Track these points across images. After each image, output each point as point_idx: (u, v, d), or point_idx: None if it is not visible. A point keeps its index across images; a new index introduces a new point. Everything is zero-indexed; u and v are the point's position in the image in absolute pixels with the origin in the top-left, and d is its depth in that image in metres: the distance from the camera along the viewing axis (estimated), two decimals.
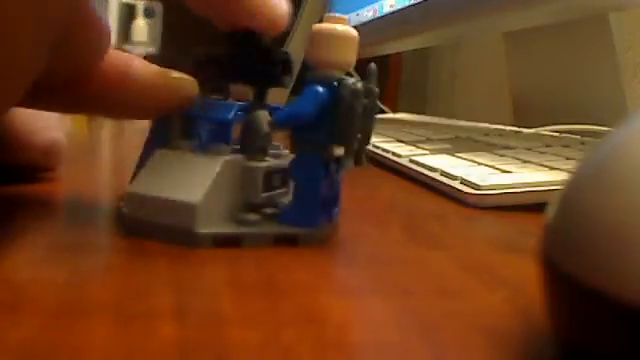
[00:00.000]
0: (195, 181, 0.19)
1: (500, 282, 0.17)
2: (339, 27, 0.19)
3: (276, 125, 0.20)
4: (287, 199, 0.21)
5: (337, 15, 0.20)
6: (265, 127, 0.20)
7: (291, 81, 0.22)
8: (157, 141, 0.22)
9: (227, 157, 0.20)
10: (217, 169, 0.19)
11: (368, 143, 0.20)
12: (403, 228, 0.23)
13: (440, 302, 0.15)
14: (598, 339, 0.10)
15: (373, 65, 0.21)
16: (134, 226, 0.19)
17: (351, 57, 0.20)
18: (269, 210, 0.20)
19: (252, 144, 0.21)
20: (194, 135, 0.21)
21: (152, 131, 0.22)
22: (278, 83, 0.22)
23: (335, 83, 0.19)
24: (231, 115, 0.21)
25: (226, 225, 0.19)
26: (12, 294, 0.14)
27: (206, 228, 0.18)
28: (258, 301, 0.14)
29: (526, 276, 0.18)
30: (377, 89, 0.20)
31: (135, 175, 0.21)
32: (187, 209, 0.18)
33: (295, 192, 0.20)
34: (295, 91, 0.22)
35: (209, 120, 0.21)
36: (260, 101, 0.22)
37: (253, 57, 0.21)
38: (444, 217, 0.26)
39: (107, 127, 0.64)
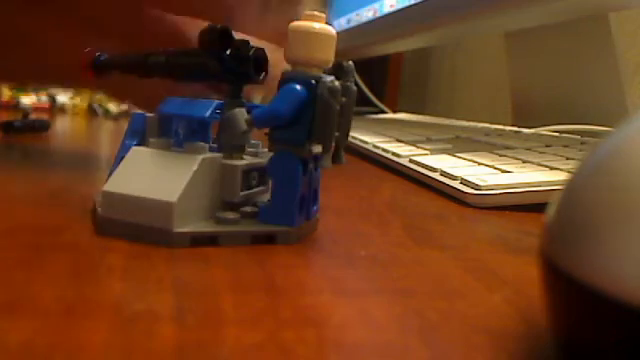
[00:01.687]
0: (172, 179, 0.19)
1: (500, 282, 0.17)
2: (317, 25, 0.19)
3: (254, 124, 0.20)
4: (266, 197, 0.21)
5: (315, 13, 0.19)
6: (242, 125, 0.19)
7: (265, 78, 0.22)
8: (132, 139, 0.21)
9: (205, 155, 0.19)
10: (194, 167, 0.19)
11: (346, 141, 0.21)
12: (403, 228, 0.23)
13: (440, 302, 0.15)
14: (598, 339, 0.10)
15: (350, 62, 0.20)
16: (108, 226, 0.19)
17: (329, 55, 0.20)
18: (248, 209, 0.20)
19: (229, 142, 0.21)
20: (170, 133, 0.21)
21: (128, 128, 0.22)
22: (252, 80, 0.21)
23: (313, 81, 0.19)
24: (208, 113, 0.20)
25: (204, 224, 0.19)
26: (12, 294, 0.13)
27: (183, 227, 0.18)
28: (258, 301, 0.14)
29: (526, 276, 0.18)
30: (355, 87, 0.20)
31: (111, 174, 0.20)
32: (164, 208, 0.18)
33: (273, 190, 0.20)
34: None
35: (186, 118, 0.21)
36: (235, 98, 0.21)
37: (226, 54, 0.21)
38: (444, 217, 0.26)
39: (106, 125, 0.65)
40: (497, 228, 0.25)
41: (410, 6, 0.58)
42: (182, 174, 0.19)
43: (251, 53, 0.21)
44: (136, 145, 0.20)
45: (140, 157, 0.20)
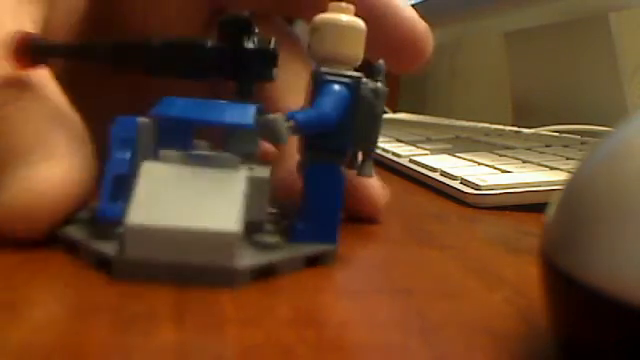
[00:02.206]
0: (218, 203, 0.15)
1: (500, 282, 0.17)
2: (344, 17, 0.17)
3: (299, 131, 0.16)
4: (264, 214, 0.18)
5: (342, 4, 0.17)
6: (284, 133, 0.16)
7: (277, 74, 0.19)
8: (124, 150, 0.16)
9: (245, 171, 0.16)
10: (242, 186, 0.16)
11: (374, 150, 0.19)
12: (403, 228, 0.23)
13: (440, 302, 0.15)
14: (598, 339, 0.10)
15: (381, 62, 0.19)
16: (137, 269, 0.15)
17: (359, 51, 0.18)
18: (270, 227, 0.18)
19: (243, 150, 0.17)
20: (174, 142, 0.17)
21: (114, 137, 0.17)
22: (266, 77, 0.19)
23: (354, 82, 0.17)
24: (251, 118, 0.17)
25: (252, 253, 0.16)
26: (12, 294, 0.13)
27: (242, 261, 0.15)
28: (258, 301, 0.14)
29: (526, 276, 0.18)
30: (386, 89, 0.18)
31: (105, 198, 0.16)
32: (223, 240, 0.14)
33: (309, 206, 0.18)
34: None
35: (228, 125, 0.17)
36: (246, 98, 0.18)
37: (241, 47, 0.18)
38: (444, 217, 0.26)
39: None
40: (497, 228, 0.25)
41: (410, 6, 0.57)
42: (228, 196, 0.15)
43: (272, 47, 0.18)
44: (130, 158, 0.16)
45: (162, 177, 0.15)
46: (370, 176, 0.19)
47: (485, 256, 0.20)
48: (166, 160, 0.16)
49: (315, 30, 0.17)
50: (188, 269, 0.15)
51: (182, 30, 0.21)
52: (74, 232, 0.17)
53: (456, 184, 0.31)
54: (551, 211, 0.12)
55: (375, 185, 0.22)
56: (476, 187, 0.29)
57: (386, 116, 0.90)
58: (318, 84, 0.17)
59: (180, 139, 0.17)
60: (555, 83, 0.57)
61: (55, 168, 0.16)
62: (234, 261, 0.15)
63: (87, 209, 0.17)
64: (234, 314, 0.13)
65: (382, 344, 0.12)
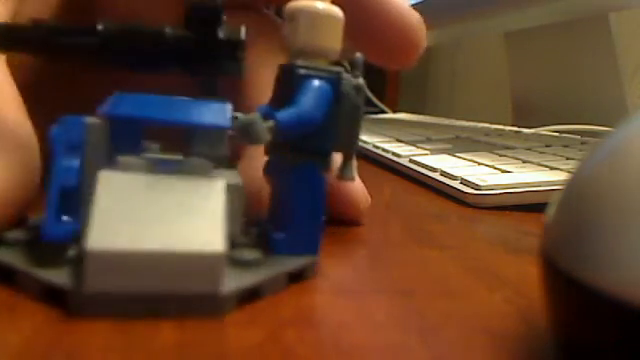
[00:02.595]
0: (198, 219, 0.13)
1: (500, 282, 0.17)
2: (320, 5, 0.15)
3: (279, 131, 0.15)
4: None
5: None
6: (265, 134, 0.14)
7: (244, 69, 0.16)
8: (71, 156, 0.14)
9: (222, 180, 0.14)
10: (221, 197, 0.13)
11: (355, 150, 0.17)
12: (403, 228, 0.23)
13: (440, 302, 0.15)
14: (598, 339, 0.10)
15: (360, 55, 0.17)
16: (102, 304, 0.12)
17: (337, 42, 0.16)
18: (242, 240, 0.16)
19: (213, 154, 0.15)
20: (127, 146, 0.14)
21: (57, 141, 0.14)
22: (232, 72, 0.16)
23: (335, 78, 0.16)
24: (228, 119, 0.15)
25: (236, 273, 0.14)
26: (12, 294, 0.13)
27: (228, 285, 0.13)
28: (258, 301, 0.14)
29: (526, 276, 0.18)
30: (362, 82, 0.17)
31: (50, 213, 0.13)
32: (206, 263, 0.12)
33: (291, 214, 0.16)
34: None
35: (202, 126, 0.15)
36: (211, 95, 0.16)
37: (218, 38, 0.15)
38: (444, 217, 0.26)
39: None
40: (497, 228, 0.25)
41: (410, 6, 0.57)
42: (207, 209, 0.13)
43: (243, 38, 0.15)
44: (77, 165, 0.14)
45: (125, 189, 0.13)
46: (352, 179, 0.18)
47: (485, 256, 0.20)
48: (126, 168, 0.13)
49: (289, 19, 0.16)
50: (165, 300, 0.12)
51: (166, 18, 0.18)
52: (8, 256, 0.14)
53: (456, 184, 0.31)
54: (551, 211, 0.12)
55: (357, 188, 0.21)
56: (476, 187, 0.29)
57: (386, 116, 0.90)
58: (296, 79, 0.15)
59: (130, 141, 0.14)
60: (555, 83, 0.57)
61: None
62: (219, 287, 0.13)
63: (25, 227, 0.15)
64: (234, 314, 0.13)
65: (382, 344, 0.12)
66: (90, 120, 0.14)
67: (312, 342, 0.12)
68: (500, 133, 0.51)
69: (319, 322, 0.13)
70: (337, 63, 0.16)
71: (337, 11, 0.16)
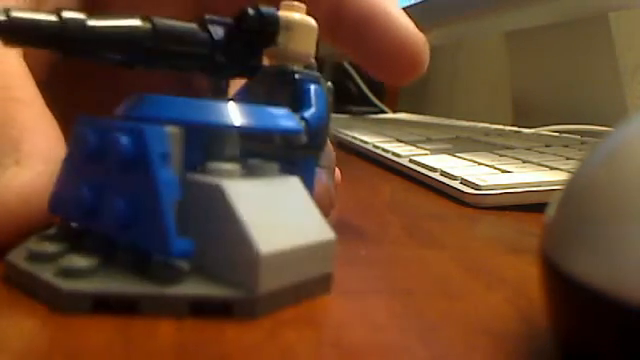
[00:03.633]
0: (306, 214, 0.15)
1: (500, 282, 0.17)
2: (297, 15, 0.17)
3: (308, 131, 0.16)
4: None
5: (295, 2, 0.18)
6: (305, 136, 0.16)
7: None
8: (168, 168, 0.13)
9: (296, 177, 0.16)
10: (305, 192, 0.15)
11: (325, 144, 0.19)
12: (403, 228, 0.23)
13: (440, 302, 0.15)
14: (598, 339, 0.10)
15: (312, 60, 0.19)
16: (270, 302, 0.13)
17: (312, 48, 0.18)
18: None
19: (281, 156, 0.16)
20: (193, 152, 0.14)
21: (152, 152, 0.13)
22: (252, 71, 0.16)
23: (320, 80, 0.18)
24: (296, 123, 0.16)
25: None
26: (11, 294, 0.13)
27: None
28: None
29: (526, 276, 0.18)
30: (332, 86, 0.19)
31: (169, 231, 0.13)
32: (326, 249, 0.15)
33: None
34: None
35: (279, 131, 0.16)
36: (221, 96, 0.16)
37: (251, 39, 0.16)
38: (444, 217, 0.26)
39: None
40: (497, 228, 0.25)
41: (410, 6, 0.58)
42: (302, 203, 0.15)
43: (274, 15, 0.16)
44: (176, 176, 0.13)
45: (248, 196, 0.14)
46: (323, 167, 0.19)
47: (485, 256, 0.20)
48: (230, 175, 0.14)
49: (282, 28, 0.17)
50: (304, 286, 0.14)
51: (173, 11, 0.18)
52: (105, 284, 0.13)
53: (456, 184, 0.31)
54: (551, 211, 0.12)
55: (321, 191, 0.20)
56: (476, 187, 0.29)
57: (386, 116, 0.90)
58: (298, 83, 0.17)
59: (197, 148, 0.15)
60: (555, 83, 0.57)
61: (25, 174, 0.14)
62: (332, 268, 0.15)
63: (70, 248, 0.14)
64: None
65: (381, 344, 0.12)
66: (171, 129, 0.14)
67: (312, 342, 0.12)
68: (500, 133, 0.51)
69: (319, 322, 0.13)
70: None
71: (311, 21, 0.18)
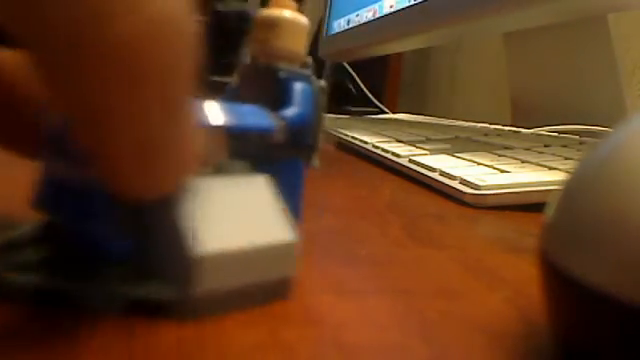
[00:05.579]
0: (266, 215, 0.14)
1: (500, 282, 0.17)
2: (287, 13, 0.17)
3: (288, 130, 0.16)
4: None
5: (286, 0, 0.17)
6: (281, 135, 0.16)
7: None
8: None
9: (263, 176, 0.15)
10: (270, 192, 0.15)
11: (318, 143, 0.19)
12: (403, 228, 0.24)
13: (440, 302, 0.15)
14: (598, 338, 0.10)
15: (309, 58, 0.18)
16: (210, 304, 0.13)
17: (302, 47, 0.17)
18: None
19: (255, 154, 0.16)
20: None
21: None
22: (228, 70, 0.16)
23: (309, 79, 0.17)
24: (269, 122, 0.16)
25: None
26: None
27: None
28: None
29: (526, 276, 0.18)
30: (325, 85, 0.19)
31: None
32: (287, 252, 0.14)
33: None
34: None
35: (248, 131, 0.15)
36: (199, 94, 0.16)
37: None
38: (444, 217, 0.26)
39: None
40: (496, 228, 0.25)
41: (410, 6, 0.58)
42: (268, 205, 0.14)
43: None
44: None
45: (199, 194, 0.13)
46: (316, 168, 0.19)
47: (484, 256, 0.20)
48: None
49: (264, 26, 0.17)
50: (255, 290, 0.13)
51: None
52: (47, 279, 0.13)
53: (455, 184, 0.31)
54: (550, 211, 0.12)
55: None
56: (475, 187, 0.29)
57: (386, 116, 0.90)
58: (283, 82, 0.17)
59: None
60: (554, 83, 0.57)
61: None
62: (294, 271, 0.14)
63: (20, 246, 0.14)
64: (235, 313, 0.13)
65: (382, 343, 0.12)
66: None
67: (312, 342, 0.12)
68: (499, 133, 0.51)
69: (319, 322, 0.13)
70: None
71: (302, 18, 0.17)
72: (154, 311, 0.13)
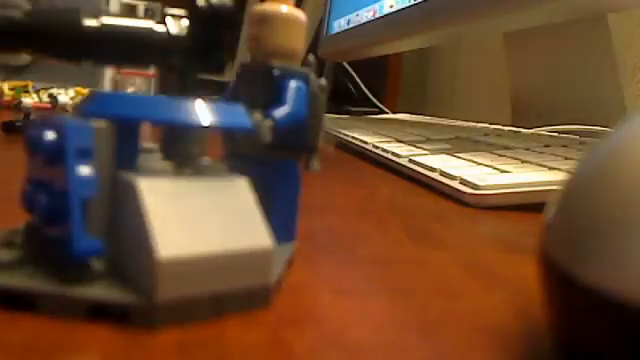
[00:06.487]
0: (243, 219, 0.13)
1: (500, 282, 0.17)
2: (284, 8, 0.16)
3: (276, 129, 0.15)
4: None
5: None
6: (267, 134, 0.15)
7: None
8: (84, 163, 0.13)
9: (244, 178, 0.14)
10: (251, 196, 0.14)
11: (318, 145, 0.18)
12: (403, 228, 0.24)
13: (440, 302, 0.15)
14: (597, 338, 0.10)
15: (312, 56, 0.18)
16: (176, 312, 0.12)
17: (300, 44, 0.17)
18: None
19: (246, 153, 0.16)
20: (133, 150, 0.14)
21: (69, 147, 0.13)
22: (217, 67, 0.15)
23: (306, 78, 0.17)
24: (249, 120, 0.15)
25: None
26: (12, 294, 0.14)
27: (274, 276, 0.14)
28: None
29: (526, 276, 0.18)
30: (326, 84, 0.18)
31: (76, 228, 0.12)
32: (262, 258, 0.13)
33: (273, 207, 0.16)
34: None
35: (229, 129, 0.15)
36: (187, 93, 0.15)
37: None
38: (444, 217, 0.26)
39: None
40: (496, 228, 0.25)
41: (410, 6, 0.58)
42: (245, 209, 0.14)
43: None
44: (93, 173, 0.13)
45: (168, 195, 0.13)
46: (318, 171, 0.18)
47: (484, 256, 0.20)
48: (153, 173, 0.13)
49: (259, 22, 0.16)
50: (228, 298, 0.13)
51: None
52: (16, 279, 0.13)
53: (455, 184, 0.31)
54: (550, 211, 0.12)
55: None
56: (475, 187, 0.29)
57: (386, 116, 0.90)
58: (277, 80, 0.16)
59: (131, 143, 0.14)
60: (554, 83, 0.57)
61: None
62: (271, 279, 0.13)
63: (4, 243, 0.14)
64: (235, 314, 0.13)
65: (381, 343, 0.12)
66: (97, 124, 0.13)
67: (312, 342, 0.12)
68: (499, 133, 0.51)
69: (319, 322, 0.13)
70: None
71: (299, 14, 0.17)
72: (119, 317, 0.12)
